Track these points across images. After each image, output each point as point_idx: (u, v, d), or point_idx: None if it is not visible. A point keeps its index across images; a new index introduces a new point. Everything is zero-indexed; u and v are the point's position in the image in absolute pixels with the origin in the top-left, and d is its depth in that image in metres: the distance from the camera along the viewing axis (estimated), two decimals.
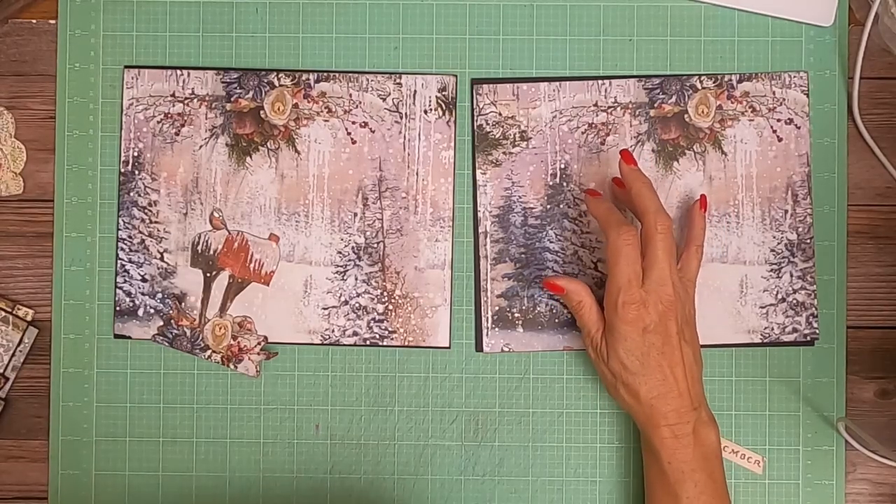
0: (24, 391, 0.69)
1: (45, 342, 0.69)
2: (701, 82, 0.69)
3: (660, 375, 0.61)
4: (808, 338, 0.68)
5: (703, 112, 0.69)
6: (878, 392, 0.69)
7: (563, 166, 0.69)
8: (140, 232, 0.69)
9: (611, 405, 0.69)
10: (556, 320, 0.68)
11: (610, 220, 0.62)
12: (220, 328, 0.69)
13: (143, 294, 0.69)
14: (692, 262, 0.64)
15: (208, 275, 0.69)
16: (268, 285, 0.69)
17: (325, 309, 0.69)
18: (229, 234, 0.69)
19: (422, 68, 0.69)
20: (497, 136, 0.69)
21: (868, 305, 0.69)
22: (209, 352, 0.68)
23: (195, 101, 0.69)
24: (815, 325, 0.68)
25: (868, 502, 0.69)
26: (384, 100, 0.69)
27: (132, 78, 0.69)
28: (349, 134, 0.69)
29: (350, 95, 0.69)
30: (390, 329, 0.69)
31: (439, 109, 0.69)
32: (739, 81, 0.69)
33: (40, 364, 0.69)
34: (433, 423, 0.69)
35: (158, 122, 0.69)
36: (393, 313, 0.69)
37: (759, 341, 0.68)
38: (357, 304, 0.69)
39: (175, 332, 0.68)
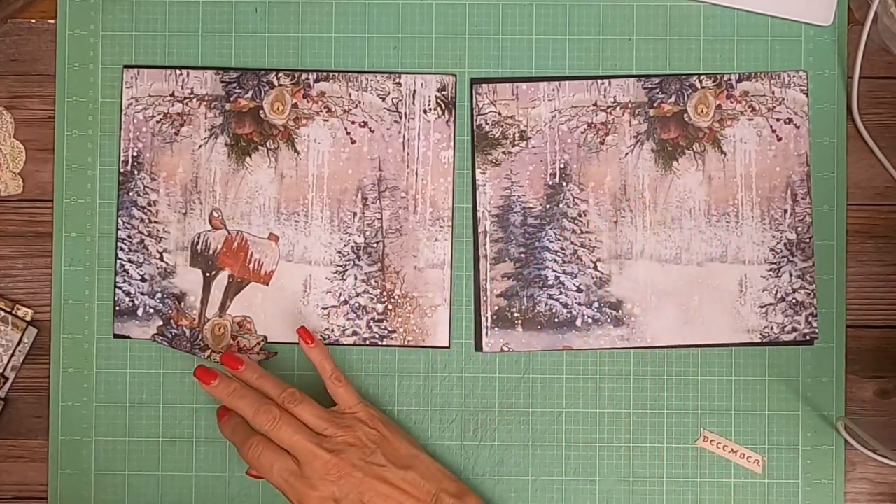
0: (23, 391, 0.69)
1: (45, 342, 0.69)
2: (700, 82, 0.69)
3: None
4: (808, 337, 0.68)
5: (702, 111, 0.69)
6: (878, 391, 0.69)
7: (562, 166, 0.69)
8: (139, 232, 0.69)
9: (611, 405, 0.69)
10: (556, 320, 0.68)
11: (236, 442, 0.62)
12: (220, 328, 0.69)
13: (142, 294, 0.69)
14: (338, 393, 0.64)
15: (208, 274, 0.69)
16: (267, 285, 0.69)
17: (324, 309, 0.69)
18: (229, 233, 0.69)
19: (421, 68, 0.69)
20: (496, 135, 0.69)
21: (868, 305, 0.69)
22: (209, 352, 0.68)
23: (194, 100, 0.69)
24: (815, 324, 0.68)
25: (868, 502, 0.69)
26: (383, 99, 0.69)
27: (131, 78, 0.69)
28: (348, 133, 0.69)
29: (349, 95, 0.69)
30: (390, 329, 0.69)
31: (439, 109, 0.69)
32: (739, 81, 0.69)
33: (40, 364, 0.69)
34: (433, 423, 0.69)
35: (158, 122, 0.69)
36: (392, 313, 0.69)
37: (759, 341, 0.68)
38: (356, 304, 0.69)
39: (175, 331, 0.68)
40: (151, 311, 0.69)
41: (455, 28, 0.69)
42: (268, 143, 0.69)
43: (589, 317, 0.68)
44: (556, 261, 0.69)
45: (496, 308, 0.69)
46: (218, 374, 0.62)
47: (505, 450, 0.69)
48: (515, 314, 0.69)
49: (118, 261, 0.69)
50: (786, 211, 0.69)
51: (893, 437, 0.68)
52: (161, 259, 0.69)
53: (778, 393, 0.69)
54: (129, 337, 0.69)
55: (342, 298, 0.69)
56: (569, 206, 0.69)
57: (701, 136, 0.69)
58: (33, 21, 0.69)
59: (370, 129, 0.69)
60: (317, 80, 0.69)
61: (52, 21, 0.69)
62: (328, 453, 0.60)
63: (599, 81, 0.69)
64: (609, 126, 0.69)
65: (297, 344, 0.68)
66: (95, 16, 0.69)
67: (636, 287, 0.69)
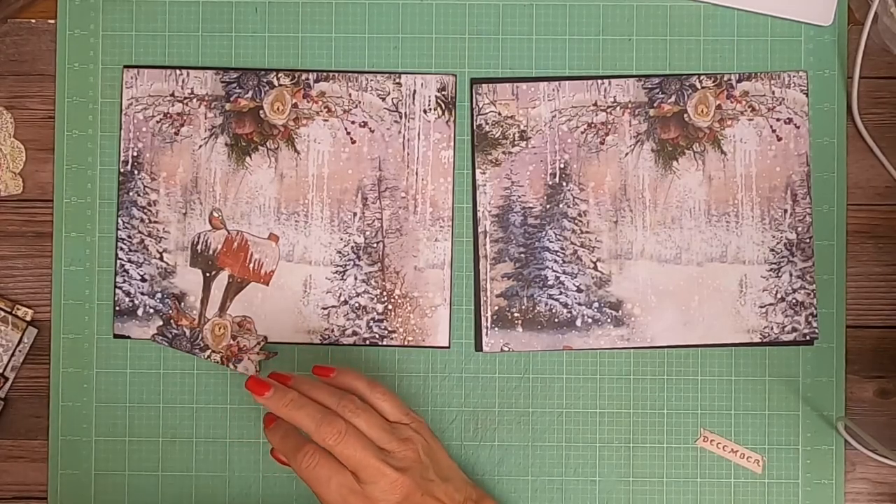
0: (23, 391, 0.69)
1: (45, 342, 0.69)
2: (700, 82, 0.69)
3: None
4: (808, 337, 0.68)
5: (702, 112, 0.69)
6: (878, 391, 0.69)
7: (562, 166, 0.69)
8: (139, 232, 0.69)
9: (611, 405, 0.69)
10: (556, 320, 0.68)
11: (287, 450, 0.58)
12: (220, 328, 0.69)
13: (142, 294, 0.69)
14: (384, 408, 0.60)
15: (208, 274, 0.69)
16: (267, 285, 0.69)
17: (324, 309, 0.69)
18: (229, 233, 0.69)
19: (421, 68, 0.69)
20: (496, 135, 0.69)
21: (868, 305, 0.69)
22: (209, 351, 0.68)
23: (194, 100, 0.69)
24: (815, 324, 0.68)
25: (868, 502, 0.69)
26: (384, 99, 0.69)
27: (131, 78, 0.69)
28: (349, 134, 0.69)
29: (349, 95, 0.69)
30: (390, 329, 0.69)
31: (439, 109, 0.69)
32: (739, 81, 0.69)
33: (40, 364, 0.69)
34: (433, 423, 0.69)
35: (158, 122, 0.69)
36: (392, 313, 0.69)
37: (759, 341, 0.68)
38: (356, 304, 0.69)
39: (175, 331, 0.68)
40: (151, 311, 0.69)
41: (455, 28, 0.69)
42: (268, 144, 0.69)
43: (589, 317, 0.69)
44: (556, 261, 0.69)
45: (496, 308, 0.69)
46: (271, 384, 0.58)
47: (505, 450, 0.69)
48: (515, 314, 0.69)
49: (118, 261, 0.69)
50: (786, 211, 0.69)
51: (893, 437, 0.68)
52: (161, 259, 0.69)
53: (778, 393, 0.69)
54: (129, 337, 0.69)
55: (342, 298, 0.69)
56: (569, 206, 0.69)
57: (701, 136, 0.69)
58: (33, 21, 0.69)
59: (370, 129, 0.69)
60: (317, 81, 0.69)
61: (52, 21, 0.69)
62: (395, 472, 0.57)
63: (599, 81, 0.69)
64: (609, 126, 0.69)
65: (298, 344, 0.68)
66: (95, 16, 0.69)
67: (636, 287, 0.69)
